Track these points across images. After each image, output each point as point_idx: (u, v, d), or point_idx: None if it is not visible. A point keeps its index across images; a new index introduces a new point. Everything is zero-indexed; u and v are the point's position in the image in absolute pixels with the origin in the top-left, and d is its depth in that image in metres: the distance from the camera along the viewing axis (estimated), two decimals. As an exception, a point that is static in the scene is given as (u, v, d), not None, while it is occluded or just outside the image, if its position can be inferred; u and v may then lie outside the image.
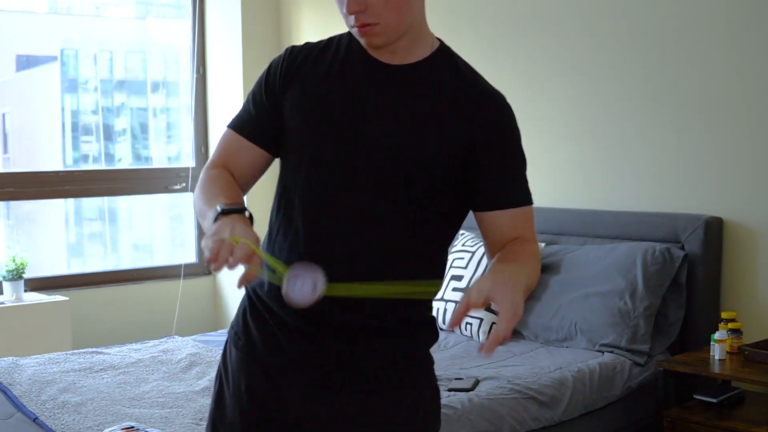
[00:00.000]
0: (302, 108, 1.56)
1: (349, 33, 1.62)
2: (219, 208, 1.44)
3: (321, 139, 1.54)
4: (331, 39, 1.63)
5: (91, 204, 5.13)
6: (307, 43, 1.64)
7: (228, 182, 1.59)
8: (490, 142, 1.54)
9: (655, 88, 3.60)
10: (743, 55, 3.34)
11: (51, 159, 5.06)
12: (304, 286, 1.35)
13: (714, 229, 3.38)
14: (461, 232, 3.95)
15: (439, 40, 1.62)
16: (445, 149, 1.52)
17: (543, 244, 3.70)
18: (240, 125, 1.64)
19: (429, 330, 1.65)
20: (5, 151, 4.94)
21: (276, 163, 1.69)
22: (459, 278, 3.68)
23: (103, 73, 5.18)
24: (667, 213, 3.54)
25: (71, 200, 5.01)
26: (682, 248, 3.42)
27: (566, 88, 3.90)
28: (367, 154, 1.52)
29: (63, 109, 5.04)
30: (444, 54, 1.59)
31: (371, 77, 1.55)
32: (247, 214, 1.46)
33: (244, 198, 1.63)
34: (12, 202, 4.75)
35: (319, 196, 1.54)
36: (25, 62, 5.11)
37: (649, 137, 3.63)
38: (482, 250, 3.71)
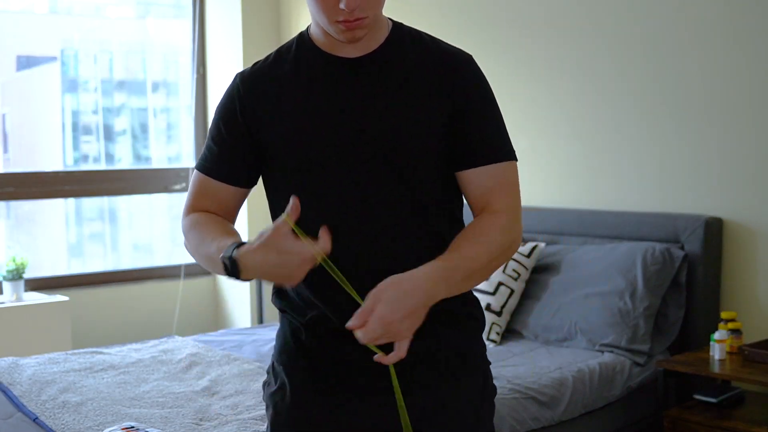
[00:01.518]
0: (282, 129, 1.53)
1: (295, 39, 1.59)
2: (226, 261, 1.41)
3: (312, 152, 1.52)
4: (278, 51, 1.60)
5: (91, 204, 5.13)
6: (255, 64, 1.61)
7: (211, 222, 1.56)
8: (467, 103, 1.52)
9: (656, 88, 3.60)
10: (743, 56, 3.35)
11: (51, 159, 5.06)
12: None
13: (714, 229, 3.38)
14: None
15: (390, 19, 1.60)
16: (428, 124, 1.51)
17: (543, 244, 3.70)
18: (207, 167, 1.60)
19: (479, 312, 1.64)
20: (5, 151, 4.94)
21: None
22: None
23: (103, 73, 5.18)
24: (667, 213, 3.54)
25: (71, 200, 5.02)
26: (682, 248, 3.42)
27: (566, 87, 3.90)
28: (358, 153, 1.50)
29: (63, 109, 5.04)
30: (401, 32, 1.58)
31: (339, 76, 1.53)
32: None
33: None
34: (12, 202, 4.76)
35: (322, 209, 1.52)
36: (25, 62, 5.11)
37: (649, 137, 3.63)
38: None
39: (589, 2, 3.81)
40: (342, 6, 1.43)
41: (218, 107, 1.61)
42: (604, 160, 3.79)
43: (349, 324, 1.35)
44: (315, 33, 1.57)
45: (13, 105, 5.06)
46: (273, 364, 1.68)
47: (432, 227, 1.55)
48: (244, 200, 1.65)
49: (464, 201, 1.63)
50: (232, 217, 1.64)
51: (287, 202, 1.41)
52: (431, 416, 1.57)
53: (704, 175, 3.47)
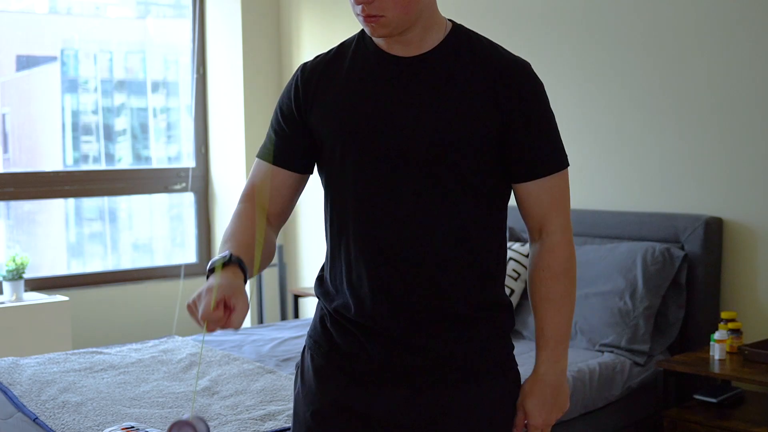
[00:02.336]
0: (331, 123, 1.56)
1: (357, 36, 1.61)
2: (207, 267, 1.48)
3: (356, 149, 1.54)
4: (340, 46, 1.63)
5: (91, 204, 5.13)
6: (317, 57, 1.64)
7: (242, 224, 1.60)
8: (516, 111, 1.52)
9: (656, 88, 3.60)
10: (744, 56, 3.35)
11: (51, 159, 5.06)
12: None
13: (714, 229, 3.38)
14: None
15: (451, 21, 1.61)
16: (477, 130, 1.51)
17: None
18: (265, 153, 1.65)
19: (506, 314, 1.64)
20: (5, 151, 4.94)
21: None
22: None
23: (103, 73, 5.18)
24: (667, 213, 3.54)
25: (71, 200, 5.02)
26: (682, 248, 3.42)
27: (566, 87, 3.90)
28: (404, 153, 1.51)
29: (63, 109, 5.04)
30: (459, 35, 1.58)
31: (390, 75, 1.54)
32: (234, 259, 1.47)
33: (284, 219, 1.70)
34: (12, 202, 4.76)
35: (369, 205, 1.54)
36: (25, 62, 5.11)
37: (649, 137, 3.63)
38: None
39: (589, 2, 3.81)
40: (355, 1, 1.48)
41: (280, 99, 1.66)
42: (604, 160, 3.79)
43: None
44: None
45: (13, 105, 5.06)
46: (304, 347, 1.72)
47: (473, 241, 1.55)
48: (301, 188, 1.67)
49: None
50: (289, 203, 1.67)
51: (331, 197, 1.57)
52: (443, 417, 1.57)
53: (704, 175, 3.47)
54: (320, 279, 1.68)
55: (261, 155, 1.66)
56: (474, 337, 1.57)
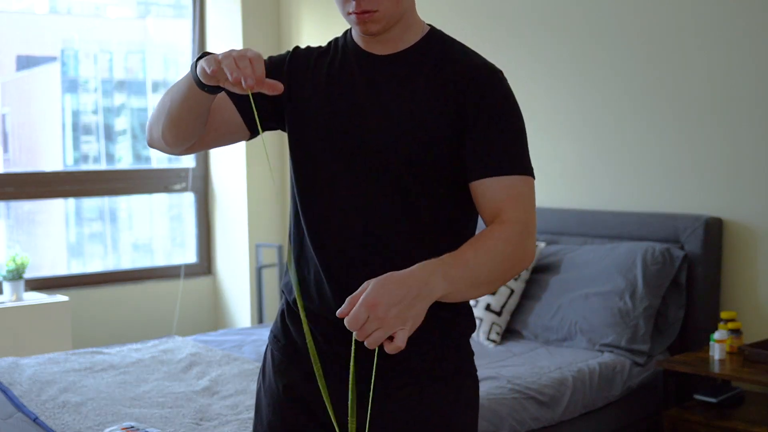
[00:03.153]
0: (303, 117, 1.57)
1: (344, 34, 1.63)
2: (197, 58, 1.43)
3: (326, 144, 1.55)
4: (330, 43, 1.65)
5: (91, 204, 5.13)
6: (309, 47, 1.65)
7: None
8: (477, 110, 1.50)
9: (656, 88, 3.60)
10: (744, 56, 3.34)
11: (51, 159, 5.06)
12: None
13: (714, 229, 3.38)
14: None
15: (429, 25, 1.62)
16: (440, 130, 1.51)
17: (543, 244, 3.70)
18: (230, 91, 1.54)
19: (466, 318, 1.62)
20: (5, 151, 4.94)
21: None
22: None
23: (103, 73, 5.18)
24: (667, 213, 3.54)
25: (71, 200, 5.02)
26: (682, 248, 3.42)
27: (566, 87, 3.90)
28: (369, 149, 1.52)
29: (63, 109, 5.04)
30: (434, 38, 1.59)
31: (365, 71, 1.56)
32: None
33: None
34: (12, 202, 4.76)
35: (333, 200, 1.55)
36: (25, 62, 5.11)
37: (649, 137, 3.63)
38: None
39: (589, 2, 3.81)
40: None
41: (267, 58, 1.62)
42: (604, 160, 3.79)
43: (339, 311, 1.30)
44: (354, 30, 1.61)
45: (13, 105, 5.06)
46: (268, 340, 1.74)
47: (434, 243, 1.52)
48: (228, 137, 1.63)
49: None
50: (210, 135, 1.62)
51: (298, 189, 1.55)
52: (400, 423, 1.55)
53: (704, 175, 3.47)
54: (285, 275, 1.68)
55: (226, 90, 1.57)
56: (430, 341, 1.55)
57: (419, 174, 1.52)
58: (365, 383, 1.44)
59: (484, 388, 2.90)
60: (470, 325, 1.63)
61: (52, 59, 5.10)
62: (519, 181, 1.49)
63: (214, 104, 1.57)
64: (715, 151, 3.43)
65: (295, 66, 1.61)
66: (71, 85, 5.11)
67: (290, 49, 1.66)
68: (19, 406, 2.76)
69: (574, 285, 3.50)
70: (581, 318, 3.40)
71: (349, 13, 1.50)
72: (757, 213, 3.33)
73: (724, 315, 3.24)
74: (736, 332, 3.17)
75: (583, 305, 3.42)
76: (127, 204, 5.24)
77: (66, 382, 2.96)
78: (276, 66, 1.62)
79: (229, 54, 1.36)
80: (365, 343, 1.28)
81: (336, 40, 1.65)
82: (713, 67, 3.43)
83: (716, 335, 3.14)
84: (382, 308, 1.27)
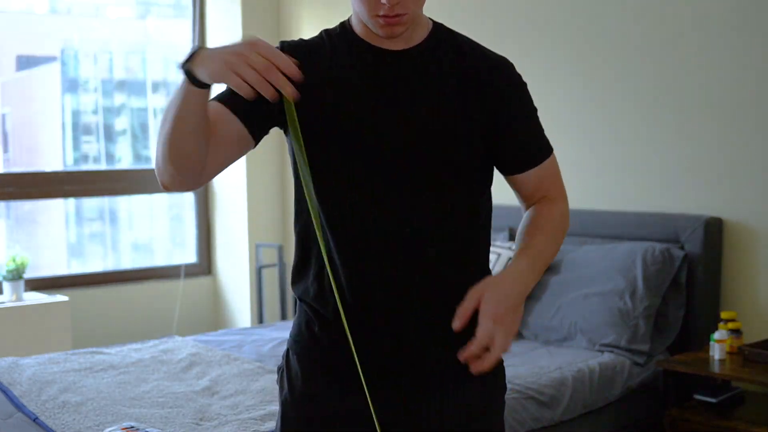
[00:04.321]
0: (313, 112, 1.49)
1: (341, 26, 1.58)
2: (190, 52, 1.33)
3: (342, 141, 1.49)
4: (320, 36, 1.59)
5: (91, 204, 5.13)
6: (296, 41, 1.58)
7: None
8: (508, 109, 1.57)
9: (656, 88, 3.60)
10: (744, 55, 3.34)
11: (51, 159, 5.06)
12: None
13: (714, 229, 3.38)
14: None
15: (431, 19, 1.61)
16: (465, 125, 1.51)
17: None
18: (227, 99, 1.47)
19: None
20: (5, 151, 4.94)
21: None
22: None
23: (103, 73, 5.18)
24: (667, 213, 3.54)
25: (71, 200, 5.02)
26: (682, 248, 3.42)
27: (566, 87, 3.90)
28: (391, 146, 1.49)
29: (63, 109, 5.04)
30: (441, 32, 1.59)
31: (377, 67, 1.53)
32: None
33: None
34: (12, 202, 4.76)
35: (362, 196, 1.50)
36: (25, 62, 5.11)
37: (649, 137, 3.63)
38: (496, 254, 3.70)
39: (588, 2, 3.81)
40: (383, 0, 1.43)
41: None
42: (604, 160, 3.79)
43: (455, 325, 1.38)
44: (356, 25, 1.56)
45: (13, 105, 5.06)
46: (288, 350, 1.65)
47: (457, 230, 1.54)
48: (238, 152, 1.51)
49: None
50: (218, 159, 1.48)
51: (325, 195, 1.49)
52: (443, 413, 1.56)
53: (704, 175, 3.47)
54: (298, 280, 1.59)
55: (223, 100, 1.48)
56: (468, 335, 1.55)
57: (450, 169, 1.52)
58: (394, 383, 1.52)
59: (484, 388, 2.91)
60: None
61: (52, 59, 5.10)
62: (551, 161, 1.64)
63: (211, 118, 1.45)
64: (715, 151, 3.43)
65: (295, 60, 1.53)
66: (71, 85, 5.11)
67: (278, 45, 1.55)
68: (19, 406, 2.76)
69: (574, 285, 3.50)
70: (581, 318, 3.40)
71: (378, 16, 1.45)
72: (757, 213, 3.33)
73: (724, 315, 3.24)
74: (736, 332, 3.17)
75: (583, 305, 3.42)
76: (127, 204, 5.24)
77: (66, 382, 2.96)
78: None
79: (243, 59, 1.27)
80: (491, 355, 1.39)
81: (328, 33, 1.58)
82: (713, 67, 3.43)
83: (716, 335, 3.14)
84: (506, 319, 1.39)
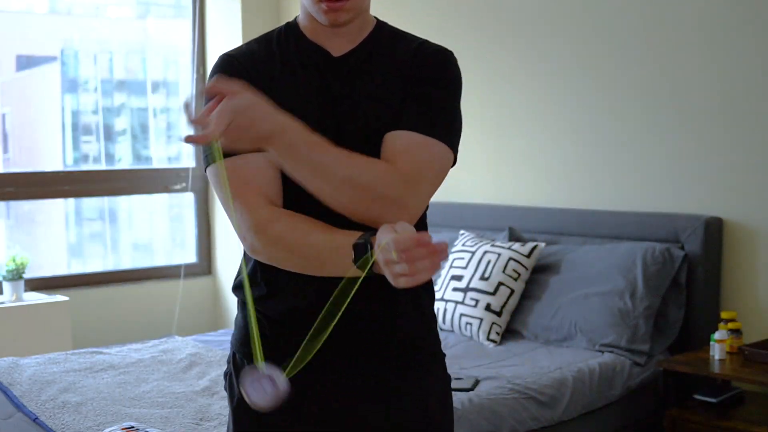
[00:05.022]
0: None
1: (282, 29, 1.59)
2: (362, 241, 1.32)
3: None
4: (266, 39, 1.58)
5: (91, 204, 5.13)
6: (240, 49, 1.56)
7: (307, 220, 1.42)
8: (421, 82, 1.51)
9: (656, 88, 3.60)
10: (744, 55, 3.34)
11: (51, 159, 5.06)
12: (265, 388, 1.28)
13: (714, 229, 3.38)
14: (461, 232, 3.95)
15: (375, 18, 1.61)
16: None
17: (543, 244, 3.70)
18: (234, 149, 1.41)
19: (432, 301, 1.64)
20: (5, 151, 4.94)
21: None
22: (459, 278, 3.68)
23: (103, 73, 5.18)
24: (667, 213, 3.54)
25: (71, 200, 5.01)
26: (682, 248, 3.42)
27: (567, 87, 3.90)
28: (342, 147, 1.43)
29: (63, 109, 5.04)
30: (384, 30, 1.60)
31: (324, 68, 1.53)
32: None
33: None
34: (12, 202, 4.76)
35: (300, 199, 1.45)
36: (25, 62, 5.11)
37: (649, 137, 3.63)
38: (482, 249, 3.71)
39: (591, 1, 3.81)
40: None
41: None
42: (604, 160, 3.79)
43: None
44: (303, 22, 1.58)
45: (13, 105, 5.06)
46: (234, 354, 1.63)
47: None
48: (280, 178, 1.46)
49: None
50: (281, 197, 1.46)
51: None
52: (390, 404, 1.56)
53: (704, 175, 3.47)
54: (241, 281, 1.53)
55: (230, 152, 1.41)
56: (419, 321, 1.58)
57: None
58: (354, 381, 1.51)
59: (484, 388, 2.91)
60: (433, 314, 1.65)
61: (52, 59, 5.10)
62: (430, 143, 1.45)
63: (258, 181, 1.44)
64: (716, 151, 3.43)
65: (240, 68, 1.51)
66: (71, 85, 5.11)
67: (223, 59, 1.54)
68: (19, 406, 2.76)
69: (574, 285, 3.50)
70: (581, 318, 3.40)
71: (320, 1, 1.48)
72: (757, 213, 3.33)
73: (724, 315, 3.24)
74: (736, 332, 3.17)
75: (583, 305, 3.42)
76: (127, 204, 5.24)
77: (66, 382, 2.96)
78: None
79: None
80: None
81: (275, 36, 1.58)
82: (713, 67, 3.43)
83: (716, 335, 3.14)
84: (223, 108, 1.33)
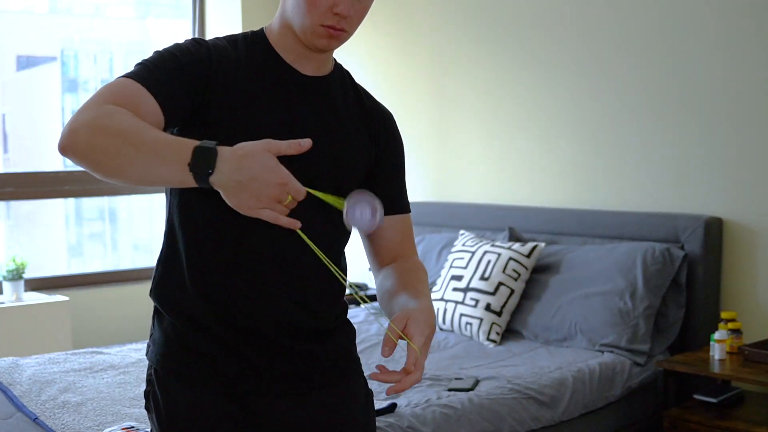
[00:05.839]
0: (231, 129, 1.45)
1: (248, 38, 1.55)
2: (207, 145, 1.29)
3: None
4: (232, 41, 1.55)
5: (91, 204, 5.13)
6: (213, 42, 1.53)
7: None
8: (390, 157, 1.65)
9: (656, 88, 3.60)
10: (743, 56, 3.35)
11: (51, 159, 5.06)
12: (364, 212, 1.39)
13: (714, 229, 3.38)
14: (461, 232, 3.95)
15: (333, 57, 1.63)
16: (361, 156, 1.58)
17: (543, 244, 3.70)
18: (151, 83, 1.40)
19: (350, 325, 1.68)
20: (5, 151, 4.94)
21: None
22: (459, 278, 3.68)
23: (103, 73, 5.18)
24: (667, 213, 3.54)
25: (71, 200, 5.02)
26: (682, 248, 3.42)
27: (567, 88, 3.90)
28: (297, 167, 1.40)
29: (63, 109, 5.04)
30: (342, 69, 1.65)
31: (294, 89, 1.53)
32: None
33: None
34: (12, 202, 4.76)
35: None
36: (25, 62, 5.11)
37: (649, 137, 3.63)
38: (482, 249, 3.71)
39: (589, 3, 3.81)
40: (337, 10, 1.45)
41: (182, 44, 1.49)
42: (604, 160, 3.79)
43: (384, 353, 1.36)
44: (274, 36, 1.55)
45: (13, 105, 5.06)
46: (156, 371, 1.57)
47: (332, 246, 1.56)
48: None
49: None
50: None
51: (204, 198, 1.50)
52: (325, 418, 1.58)
53: (704, 175, 3.47)
54: (161, 286, 1.56)
55: (145, 83, 1.41)
56: (338, 342, 1.62)
57: (340, 192, 1.46)
58: (289, 388, 1.54)
59: (484, 388, 2.91)
60: (353, 331, 1.69)
61: (52, 59, 5.10)
62: (409, 219, 1.70)
63: (135, 108, 1.39)
64: (716, 151, 3.43)
65: (209, 63, 1.48)
66: (71, 85, 5.11)
67: (196, 41, 1.51)
68: (19, 406, 2.75)
69: (574, 285, 3.50)
70: (581, 318, 3.40)
71: (324, 26, 1.46)
72: (757, 213, 3.33)
73: (724, 315, 3.24)
74: (736, 332, 3.17)
75: (583, 305, 3.42)
76: (127, 204, 5.24)
77: (66, 382, 2.96)
78: (196, 50, 1.48)
79: (276, 198, 1.31)
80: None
81: (243, 38, 1.55)
82: (713, 68, 3.43)
83: (716, 335, 3.14)
84: (429, 343, 1.44)
